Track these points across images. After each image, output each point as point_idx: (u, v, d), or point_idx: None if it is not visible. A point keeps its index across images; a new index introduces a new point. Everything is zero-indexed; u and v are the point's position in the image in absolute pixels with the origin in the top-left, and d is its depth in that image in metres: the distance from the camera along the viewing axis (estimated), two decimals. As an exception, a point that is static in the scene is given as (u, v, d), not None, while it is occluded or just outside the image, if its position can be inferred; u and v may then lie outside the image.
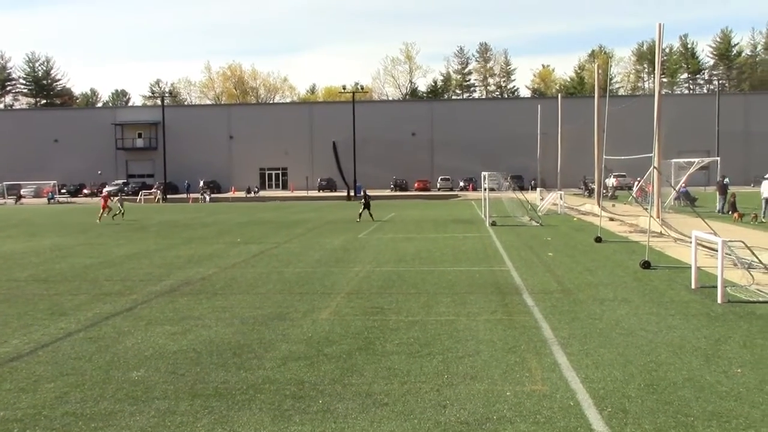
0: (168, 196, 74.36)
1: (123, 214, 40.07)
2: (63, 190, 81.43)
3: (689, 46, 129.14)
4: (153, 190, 75.94)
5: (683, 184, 37.74)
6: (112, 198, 42.14)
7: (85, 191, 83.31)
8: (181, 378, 8.26)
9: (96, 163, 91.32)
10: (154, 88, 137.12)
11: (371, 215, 35.52)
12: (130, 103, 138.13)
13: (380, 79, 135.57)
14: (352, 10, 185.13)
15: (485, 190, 34.97)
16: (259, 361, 8.91)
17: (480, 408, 7.08)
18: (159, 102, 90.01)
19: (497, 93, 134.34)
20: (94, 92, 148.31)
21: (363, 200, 36.19)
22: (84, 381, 8.18)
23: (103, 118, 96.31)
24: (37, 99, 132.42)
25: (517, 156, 79.51)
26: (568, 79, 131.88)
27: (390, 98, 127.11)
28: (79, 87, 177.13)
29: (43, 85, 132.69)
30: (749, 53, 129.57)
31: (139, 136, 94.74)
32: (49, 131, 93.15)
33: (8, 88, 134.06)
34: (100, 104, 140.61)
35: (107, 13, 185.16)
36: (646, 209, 25.07)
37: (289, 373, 8.37)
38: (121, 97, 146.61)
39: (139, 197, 72.11)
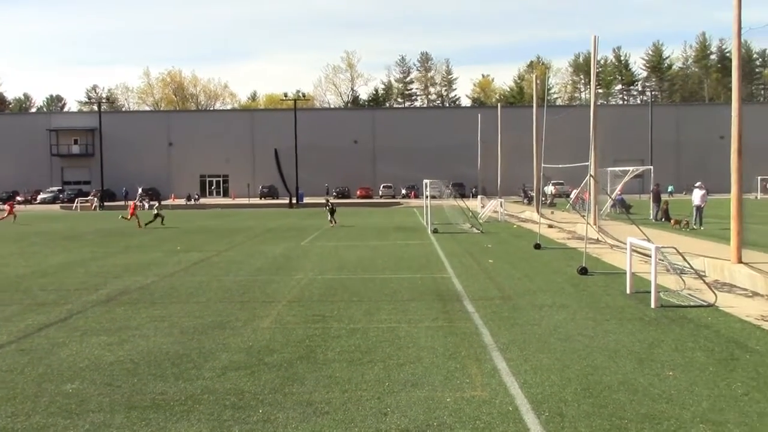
0: (105, 204, 72.70)
1: (163, 219, 39.31)
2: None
3: (623, 58, 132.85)
4: (90, 198, 74.13)
5: (619, 192, 38.68)
6: (144, 205, 41.73)
7: (19, 198, 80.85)
8: (118, 390, 8.09)
9: (30, 170, 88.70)
10: (90, 94, 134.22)
11: (334, 220, 37.34)
12: (65, 109, 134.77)
13: (322, 87, 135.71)
14: (293, 18, 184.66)
15: (427, 197, 35.22)
16: (198, 371, 8.79)
17: (421, 415, 7.13)
18: (96, 108, 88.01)
19: (438, 102, 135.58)
20: (27, 97, 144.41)
21: (329, 207, 38.76)
22: (15, 394, 7.94)
23: (38, 123, 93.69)
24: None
25: (459, 164, 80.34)
26: (508, 89, 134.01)
27: (332, 106, 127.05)
28: (11, 92, 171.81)
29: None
30: (681, 66, 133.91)
31: (75, 142, 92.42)
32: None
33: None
34: (34, 110, 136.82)
35: (43, 16, 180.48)
36: (584, 216, 25.61)
37: (228, 383, 8.28)
38: (56, 102, 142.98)
39: (75, 205, 70.32)
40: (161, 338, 10.68)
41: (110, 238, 31.12)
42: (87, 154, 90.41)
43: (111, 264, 20.87)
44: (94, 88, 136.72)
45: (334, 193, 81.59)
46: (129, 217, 39.64)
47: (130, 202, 48.88)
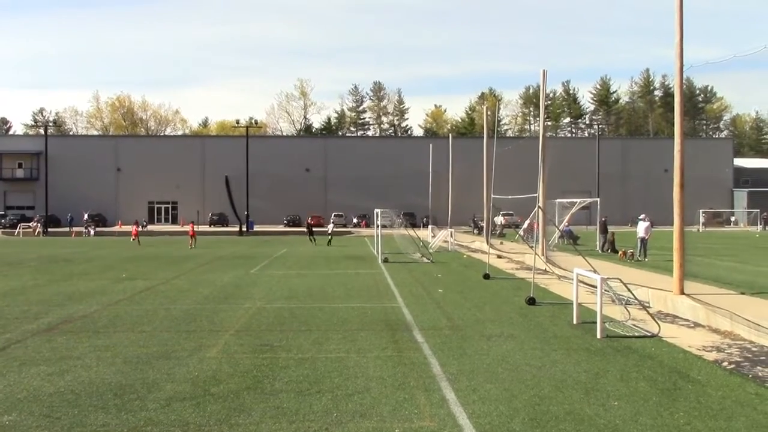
0: (49, 230, 70.95)
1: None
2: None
3: (571, 91, 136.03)
4: (32, 223, 72.25)
5: (566, 223, 39.32)
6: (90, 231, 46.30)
7: (-43, 223, 78.38)
8: (57, 421, 7.85)
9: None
10: (37, 117, 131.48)
11: (314, 239, 47.41)
12: (10, 132, 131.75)
13: (275, 115, 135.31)
14: (247, 45, 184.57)
15: (378, 226, 35.29)
16: (141, 402, 8.59)
17: (368, 446, 7.07)
18: (42, 131, 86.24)
19: (391, 131, 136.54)
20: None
21: (308, 229, 49.95)
22: (-52, 427, 7.64)
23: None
24: None
25: (410, 193, 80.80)
26: (459, 120, 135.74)
27: (284, 134, 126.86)
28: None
29: None
30: (627, 100, 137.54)
31: (20, 166, 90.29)
32: None
33: None
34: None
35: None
36: (532, 247, 25.93)
37: (173, 415, 8.11)
38: (1, 125, 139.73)
39: (17, 230, 68.49)
40: (104, 368, 10.42)
41: (53, 265, 30.37)
42: (32, 179, 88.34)
43: (53, 292, 20.35)
44: (41, 111, 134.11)
45: (285, 221, 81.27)
46: (134, 238, 46.39)
47: (133, 227, 55.06)
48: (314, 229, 51.59)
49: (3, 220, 79.84)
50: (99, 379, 9.80)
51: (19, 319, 15.25)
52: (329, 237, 47.82)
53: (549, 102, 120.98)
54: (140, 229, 62.27)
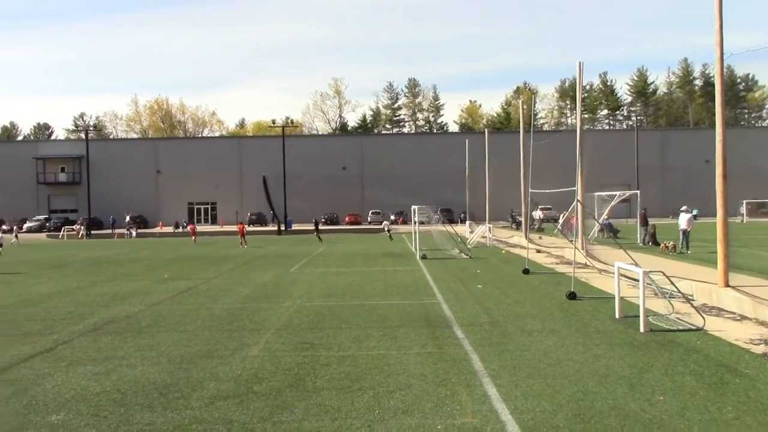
0: (92, 232, 72.25)
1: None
2: (-21, 227, 78.17)
3: (609, 83, 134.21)
4: (76, 226, 73.63)
5: (606, 217, 38.87)
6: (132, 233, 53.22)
7: (4, 227, 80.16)
8: (104, 420, 7.98)
9: (16, 199, 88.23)
10: (78, 122, 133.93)
11: (319, 237, 49.99)
12: (53, 137, 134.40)
13: (310, 114, 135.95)
14: (281, 45, 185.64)
15: (415, 223, 35.24)
16: (186, 401, 8.70)
17: (411, 442, 7.06)
18: (83, 136, 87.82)
19: (426, 128, 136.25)
20: (13, 125, 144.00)
21: (315, 227, 53.56)
22: None
23: (24, 152, 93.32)
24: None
25: (447, 190, 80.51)
26: (495, 115, 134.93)
27: (320, 133, 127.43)
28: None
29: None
30: (666, 91, 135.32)
31: (62, 170, 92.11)
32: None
33: None
34: (20, 138, 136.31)
35: (30, 45, 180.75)
36: (571, 241, 25.67)
37: (217, 413, 8.19)
38: (43, 130, 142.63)
39: (61, 233, 69.89)
40: (148, 368, 10.58)
41: (97, 267, 30.92)
42: (74, 182, 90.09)
43: (98, 293, 20.72)
44: (82, 116, 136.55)
45: (323, 219, 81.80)
46: (194, 239, 50.75)
47: (189, 227, 61.61)
48: (321, 227, 56.21)
49: (47, 224, 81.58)
50: (144, 378, 9.95)
51: (66, 320, 15.55)
52: (389, 234, 52.65)
53: (585, 94, 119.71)
54: (180, 230, 63.39)
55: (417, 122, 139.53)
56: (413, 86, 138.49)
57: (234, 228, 77.13)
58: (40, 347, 12.36)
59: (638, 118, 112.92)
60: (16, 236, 60.68)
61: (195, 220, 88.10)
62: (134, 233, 69.66)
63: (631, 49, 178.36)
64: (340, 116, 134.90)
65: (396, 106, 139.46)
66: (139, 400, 8.80)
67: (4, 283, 24.28)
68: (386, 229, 54.91)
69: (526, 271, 23.48)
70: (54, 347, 12.36)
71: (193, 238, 55.76)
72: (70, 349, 12.19)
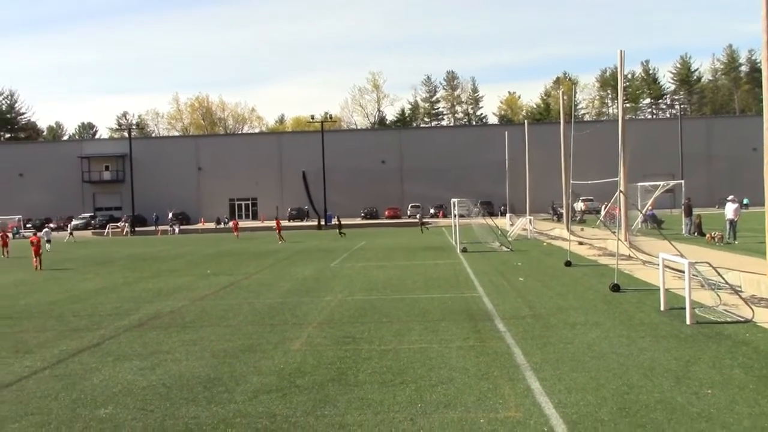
0: (136, 229, 73.50)
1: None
2: (28, 225, 79.99)
3: (651, 71, 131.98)
4: (120, 223, 74.96)
5: (650, 207, 38.25)
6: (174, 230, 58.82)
7: (51, 225, 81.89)
8: (150, 414, 8.10)
9: (62, 197, 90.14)
10: (121, 121, 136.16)
11: (341, 233, 50.32)
12: (96, 136, 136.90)
13: (348, 108, 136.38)
14: (317, 41, 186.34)
15: (455, 216, 35.12)
16: (230, 395, 8.78)
17: (454, 436, 7.03)
18: (126, 134, 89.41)
19: (465, 120, 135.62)
20: (59, 125, 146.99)
21: (338, 223, 54.04)
22: (50, 420, 7.99)
23: (70, 151, 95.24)
24: (1, 133, 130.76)
25: (486, 182, 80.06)
26: (535, 106, 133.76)
27: (359, 127, 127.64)
28: (44, 120, 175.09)
29: (7, 119, 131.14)
30: (710, 78, 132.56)
31: (106, 168, 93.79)
32: (14, 165, 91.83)
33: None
34: (66, 137, 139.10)
35: (73, 47, 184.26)
36: (614, 232, 25.34)
37: (260, 406, 8.26)
38: (87, 129, 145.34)
39: (106, 230, 71.21)
40: (193, 362, 10.71)
41: (142, 263, 31.43)
42: (118, 180, 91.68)
43: (143, 289, 21.06)
44: (125, 114, 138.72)
45: (362, 214, 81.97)
46: (237, 234, 51.22)
47: (231, 222, 64.88)
48: (343, 222, 56.25)
49: (93, 221, 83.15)
50: (188, 372, 10.08)
51: (112, 315, 15.83)
52: (422, 227, 55.51)
53: (627, 83, 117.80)
54: (222, 225, 64.22)
55: (456, 115, 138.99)
56: (451, 79, 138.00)
57: (273, 224, 77.99)
58: (87, 342, 12.60)
59: (682, 106, 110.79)
60: (71, 233, 62.08)
61: (236, 216, 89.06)
62: (177, 230, 70.67)
63: (674, 37, 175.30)
64: (379, 110, 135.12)
65: (434, 99, 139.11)
66: (184, 394, 8.92)
67: (52, 280, 24.82)
68: (420, 221, 58.06)
69: (568, 264, 23.24)
70: (101, 342, 12.59)
71: (236, 233, 57.36)
72: (116, 344, 12.41)
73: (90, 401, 8.73)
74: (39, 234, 36.70)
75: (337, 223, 56.01)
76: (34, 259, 29.94)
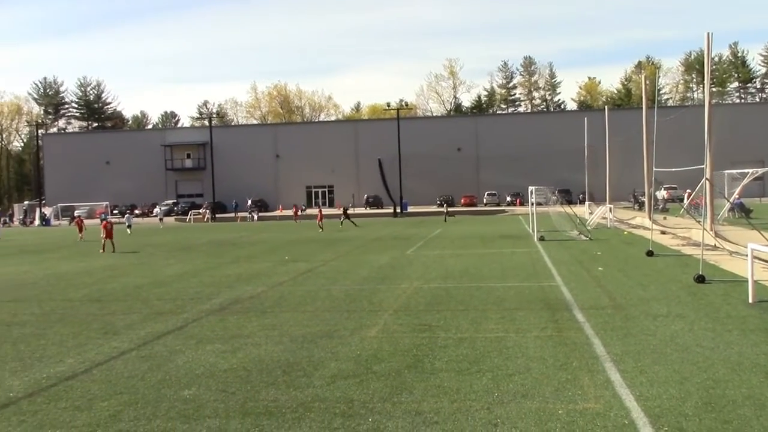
0: (217, 216, 75.34)
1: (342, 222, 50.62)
2: (115, 211, 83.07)
3: (739, 54, 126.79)
4: (202, 210, 77.02)
5: (737, 196, 36.85)
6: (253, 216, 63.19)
7: (137, 211, 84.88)
8: (232, 396, 8.30)
9: (146, 184, 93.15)
10: (201, 110, 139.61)
11: (353, 222, 51.61)
12: (179, 125, 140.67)
13: (424, 96, 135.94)
14: (394, 28, 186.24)
15: (532, 204, 34.66)
16: (308, 379, 8.91)
17: (532, 427, 6.95)
18: (207, 123, 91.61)
19: (542, 107, 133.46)
20: (144, 114, 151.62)
21: (343, 212, 53.78)
22: (137, 399, 8.28)
23: (153, 139, 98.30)
24: (89, 122, 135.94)
25: (565, 170, 78.56)
26: (615, 91, 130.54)
27: (434, 114, 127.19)
28: (129, 110, 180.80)
29: (94, 109, 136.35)
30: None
31: (188, 156, 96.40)
32: (101, 154, 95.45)
33: (61, 112, 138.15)
34: (149, 126, 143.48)
35: (155, 38, 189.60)
36: (699, 222, 24.54)
37: (338, 392, 8.35)
38: (170, 118, 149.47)
39: (188, 217, 73.24)
40: (272, 346, 10.91)
41: (222, 249, 32.20)
42: (199, 168, 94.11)
43: (223, 274, 21.57)
44: (205, 103, 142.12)
45: (438, 201, 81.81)
46: (320, 223, 48.78)
47: (316, 210, 63.57)
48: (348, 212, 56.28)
49: (176, 208, 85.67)
50: (268, 356, 10.27)
51: (194, 299, 16.28)
52: (446, 215, 57.25)
53: (714, 67, 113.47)
54: (300, 213, 65.22)
55: (533, 101, 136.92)
56: (528, 64, 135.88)
57: (349, 211, 78.62)
58: (171, 325, 12.99)
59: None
60: (161, 219, 64.49)
61: (314, 204, 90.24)
62: (256, 216, 72.08)
63: (764, 18, 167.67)
64: (455, 97, 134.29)
65: (511, 85, 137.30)
66: (264, 377, 9.09)
67: (137, 264, 25.69)
68: (445, 211, 58.87)
69: (650, 253, 22.64)
70: (184, 325, 12.96)
71: (296, 219, 63.05)
72: (198, 327, 12.75)
73: (174, 382, 9.00)
74: (112, 219, 38.46)
75: (343, 213, 54.09)
76: (103, 243, 31.70)
